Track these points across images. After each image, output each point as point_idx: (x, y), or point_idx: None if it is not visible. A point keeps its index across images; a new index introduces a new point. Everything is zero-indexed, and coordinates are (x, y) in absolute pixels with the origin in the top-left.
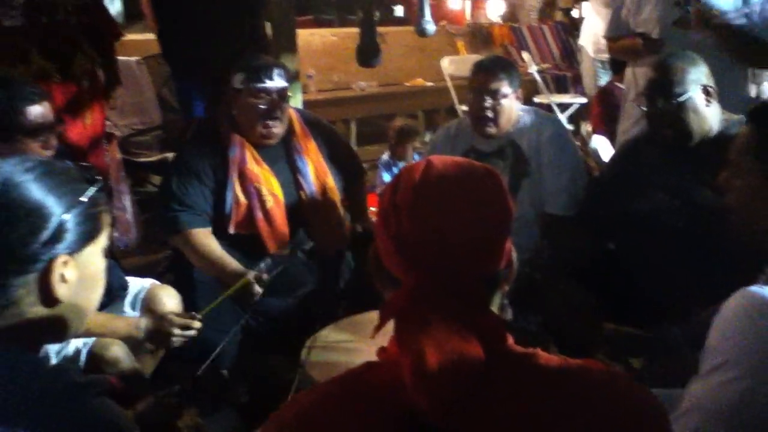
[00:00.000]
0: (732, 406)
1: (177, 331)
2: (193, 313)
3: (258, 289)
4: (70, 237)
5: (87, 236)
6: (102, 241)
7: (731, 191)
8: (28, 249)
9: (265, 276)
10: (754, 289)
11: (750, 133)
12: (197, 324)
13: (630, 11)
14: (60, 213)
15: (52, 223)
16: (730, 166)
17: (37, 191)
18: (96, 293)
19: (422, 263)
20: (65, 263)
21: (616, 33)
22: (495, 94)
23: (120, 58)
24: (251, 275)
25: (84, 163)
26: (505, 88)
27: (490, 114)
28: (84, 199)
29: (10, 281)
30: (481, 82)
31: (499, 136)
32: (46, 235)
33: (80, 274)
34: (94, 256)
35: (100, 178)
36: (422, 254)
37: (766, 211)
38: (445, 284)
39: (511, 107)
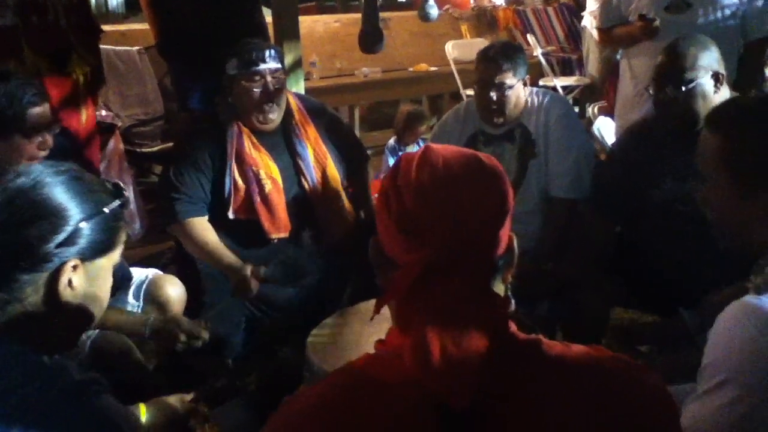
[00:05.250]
0: (732, 428)
1: (183, 337)
2: (203, 321)
3: (255, 284)
4: (84, 243)
5: (101, 247)
6: (115, 257)
7: (708, 206)
8: (43, 247)
9: (263, 270)
10: (752, 300)
11: (718, 143)
12: (205, 334)
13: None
14: (79, 219)
15: (70, 227)
16: (702, 178)
17: (61, 194)
18: (97, 308)
19: (423, 241)
20: (75, 268)
21: (610, 23)
22: (500, 87)
23: (122, 48)
24: (248, 270)
25: (114, 181)
26: (510, 79)
27: (495, 106)
28: (106, 210)
29: (20, 276)
30: (485, 75)
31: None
32: (62, 236)
33: (87, 284)
34: (104, 270)
35: (126, 195)
36: (423, 231)
37: (747, 229)
38: (447, 263)
39: (518, 95)
